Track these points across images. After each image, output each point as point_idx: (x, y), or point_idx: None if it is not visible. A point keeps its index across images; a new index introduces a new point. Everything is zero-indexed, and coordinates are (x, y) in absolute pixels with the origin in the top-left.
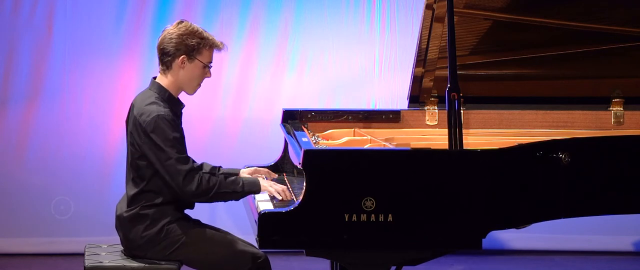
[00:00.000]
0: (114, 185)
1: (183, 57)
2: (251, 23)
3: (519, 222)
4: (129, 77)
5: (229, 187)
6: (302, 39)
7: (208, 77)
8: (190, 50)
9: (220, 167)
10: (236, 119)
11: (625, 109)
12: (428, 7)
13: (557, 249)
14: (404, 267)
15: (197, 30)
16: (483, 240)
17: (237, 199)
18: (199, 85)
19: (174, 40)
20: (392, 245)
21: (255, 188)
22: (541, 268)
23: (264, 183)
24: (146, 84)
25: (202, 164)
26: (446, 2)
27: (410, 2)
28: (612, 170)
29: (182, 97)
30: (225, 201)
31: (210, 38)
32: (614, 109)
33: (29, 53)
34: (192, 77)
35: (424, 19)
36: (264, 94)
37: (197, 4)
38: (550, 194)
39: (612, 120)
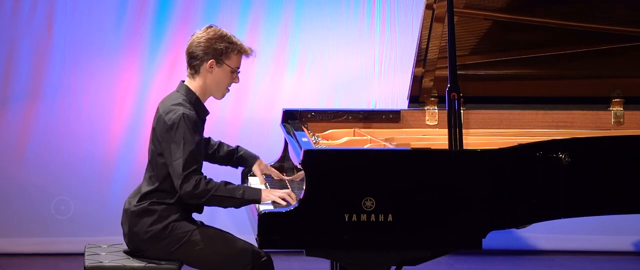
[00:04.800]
0: (114, 185)
1: (212, 61)
2: (251, 23)
3: (518, 222)
4: (129, 77)
5: (228, 192)
6: (302, 39)
7: (236, 82)
8: (219, 54)
9: (238, 146)
10: (236, 119)
11: (625, 109)
12: (428, 7)
13: (557, 249)
14: (404, 267)
15: (226, 35)
16: (483, 240)
17: (236, 206)
18: (228, 90)
19: (202, 44)
20: (392, 245)
21: (255, 197)
22: (541, 268)
23: (266, 192)
24: (146, 84)
25: (219, 144)
26: (446, 2)
27: (410, 2)
28: (612, 170)
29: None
30: (224, 207)
31: (238, 43)
32: (614, 109)
33: (29, 53)
34: (220, 81)
35: (424, 19)
36: (264, 94)
37: (197, 4)
38: (550, 194)
39: (612, 120)
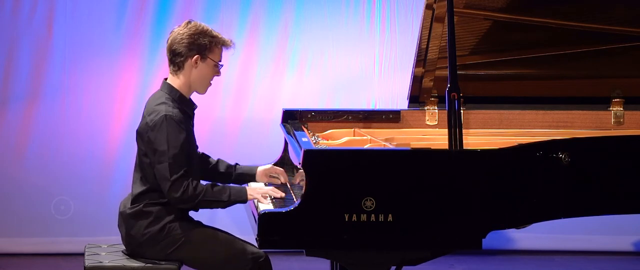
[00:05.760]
0: (114, 185)
1: (196, 57)
2: (251, 23)
3: (519, 222)
4: (129, 77)
5: (214, 196)
6: (302, 39)
7: (218, 75)
8: (203, 49)
9: (237, 164)
10: (236, 119)
11: (625, 109)
12: (428, 7)
13: (557, 249)
14: (404, 267)
15: (208, 29)
16: (483, 240)
17: (223, 207)
18: (210, 84)
19: (185, 41)
20: (392, 245)
21: (241, 198)
22: (541, 268)
23: (251, 191)
24: (146, 84)
25: (217, 161)
26: (446, 2)
27: (410, 2)
28: (612, 170)
29: (193, 97)
30: (211, 208)
31: (220, 36)
32: (614, 109)
33: (29, 53)
34: (204, 76)
35: (424, 19)
36: (264, 94)
37: (197, 4)
38: (550, 194)
39: (612, 120)
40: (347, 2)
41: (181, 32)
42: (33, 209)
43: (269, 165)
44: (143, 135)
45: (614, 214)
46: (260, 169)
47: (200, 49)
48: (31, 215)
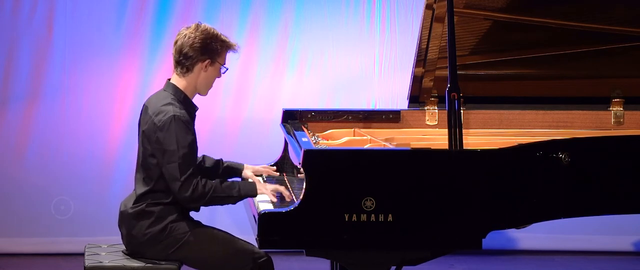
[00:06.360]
0: (114, 185)
1: (208, 61)
2: (251, 23)
3: (519, 222)
4: (129, 77)
5: (224, 191)
6: (302, 39)
7: (218, 77)
8: (214, 54)
9: (221, 160)
10: (236, 119)
11: (625, 109)
12: (428, 7)
13: (557, 249)
14: (404, 267)
15: (218, 34)
16: (483, 240)
17: (233, 203)
18: (212, 86)
19: (198, 45)
20: (392, 245)
21: (251, 192)
22: (541, 268)
23: (261, 186)
24: (146, 84)
25: (203, 157)
26: (446, 2)
27: (410, 2)
28: (612, 170)
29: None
30: (222, 205)
31: (228, 41)
32: (614, 109)
33: (29, 53)
34: (211, 79)
35: (424, 19)
36: (264, 94)
37: (197, 4)
38: (550, 194)
39: (612, 120)
40: (347, 2)
41: (192, 35)
42: (33, 209)
43: (259, 166)
44: (150, 135)
45: (614, 214)
46: (247, 166)
47: (212, 53)
48: (31, 215)
